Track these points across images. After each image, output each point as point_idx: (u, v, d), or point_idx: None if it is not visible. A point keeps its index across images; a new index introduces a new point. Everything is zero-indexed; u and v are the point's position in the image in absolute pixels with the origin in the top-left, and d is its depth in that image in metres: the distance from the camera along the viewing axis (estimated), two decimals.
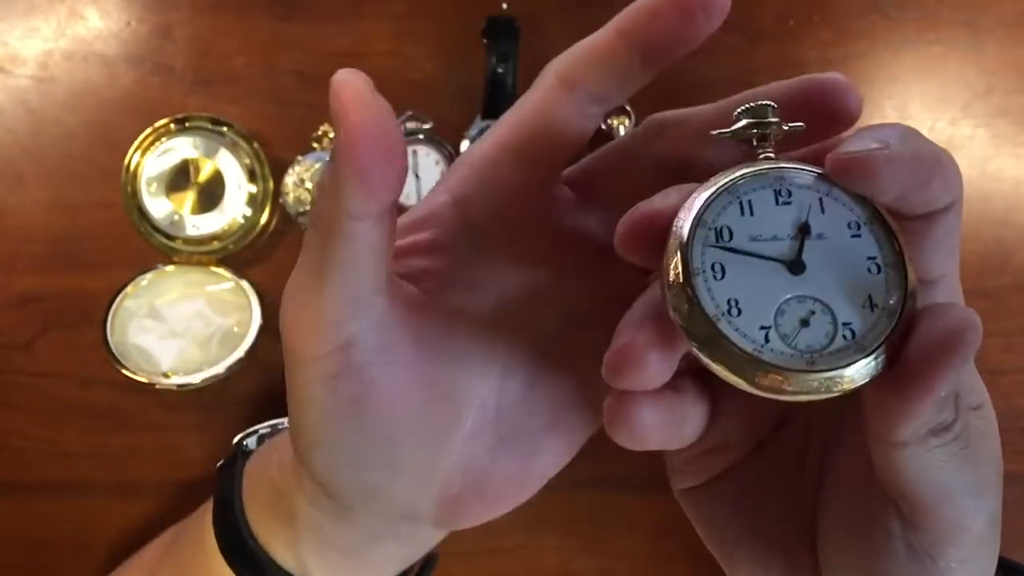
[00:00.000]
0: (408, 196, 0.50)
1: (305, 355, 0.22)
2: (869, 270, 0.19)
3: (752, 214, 0.20)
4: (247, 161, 0.51)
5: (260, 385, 0.51)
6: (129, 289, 0.50)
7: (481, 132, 0.50)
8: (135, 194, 0.50)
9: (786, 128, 0.21)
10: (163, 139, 0.50)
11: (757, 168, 0.20)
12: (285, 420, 0.37)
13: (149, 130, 0.50)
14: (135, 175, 0.50)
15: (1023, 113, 0.52)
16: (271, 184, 0.51)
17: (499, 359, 0.25)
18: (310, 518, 0.28)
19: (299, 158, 0.50)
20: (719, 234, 0.19)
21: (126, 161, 0.50)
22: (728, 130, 0.21)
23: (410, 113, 0.50)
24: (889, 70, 0.52)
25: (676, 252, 0.19)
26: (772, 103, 0.22)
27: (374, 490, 0.24)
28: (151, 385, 0.49)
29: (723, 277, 0.19)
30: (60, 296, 0.51)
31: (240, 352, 0.49)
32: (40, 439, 0.51)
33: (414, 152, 0.51)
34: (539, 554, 0.51)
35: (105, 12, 0.52)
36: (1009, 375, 0.51)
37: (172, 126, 0.51)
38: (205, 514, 0.33)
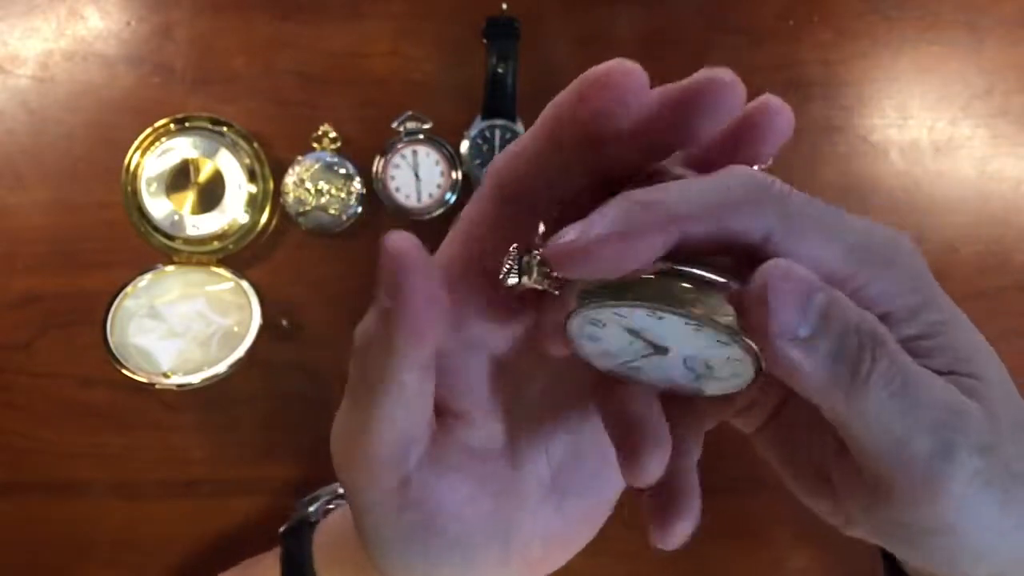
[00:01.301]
0: (409, 196, 0.50)
1: (363, 493, 0.23)
2: (719, 341, 0.20)
3: (600, 340, 0.21)
4: (247, 161, 0.51)
5: (260, 385, 0.51)
6: (129, 289, 0.50)
7: (481, 132, 0.50)
8: (135, 194, 0.50)
9: (544, 255, 0.20)
10: (163, 139, 0.50)
11: (577, 318, 0.21)
12: (335, 488, 0.39)
13: (149, 130, 0.50)
14: (135, 175, 0.50)
15: (1023, 113, 0.52)
16: (271, 184, 0.51)
17: (543, 435, 0.26)
18: None
19: (299, 158, 0.50)
20: (605, 357, 0.22)
21: (126, 161, 0.50)
22: (514, 286, 0.21)
23: (410, 113, 0.50)
24: (889, 70, 0.52)
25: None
26: (532, 251, 0.21)
27: None
28: (151, 385, 0.49)
29: (640, 372, 0.22)
30: (60, 296, 0.51)
31: (240, 352, 0.49)
32: (40, 439, 0.51)
33: (414, 152, 0.51)
34: None
35: (105, 12, 0.52)
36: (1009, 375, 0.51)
37: (172, 126, 0.51)
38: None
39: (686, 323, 0.20)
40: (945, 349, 0.20)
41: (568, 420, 0.26)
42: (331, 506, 0.42)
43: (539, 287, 0.21)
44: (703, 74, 0.20)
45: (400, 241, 0.19)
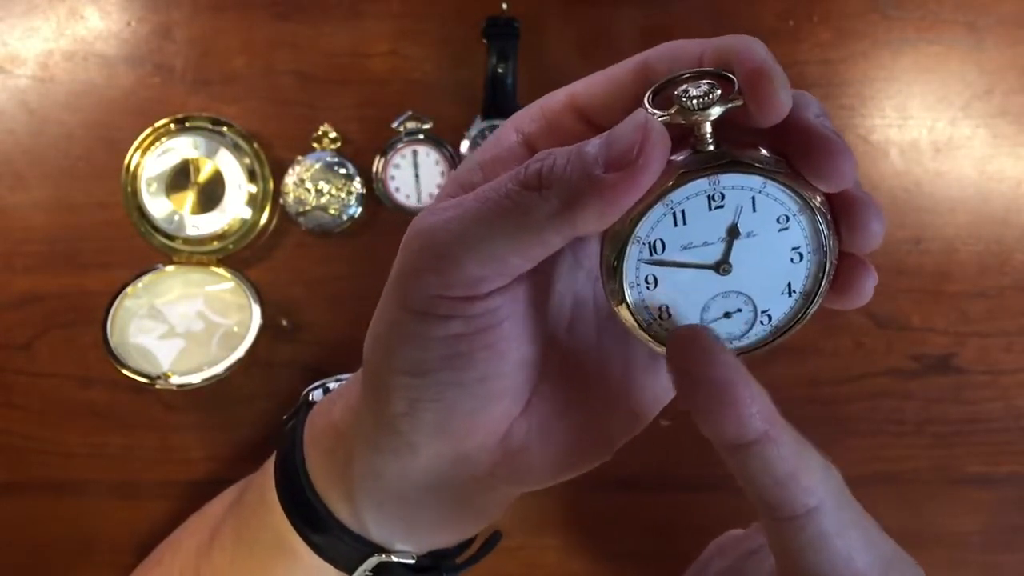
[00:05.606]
0: (409, 196, 0.50)
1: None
2: (792, 260, 0.21)
3: (685, 223, 0.20)
4: (247, 161, 0.51)
5: (260, 385, 0.51)
6: (129, 289, 0.50)
7: (481, 132, 0.50)
8: (135, 194, 0.50)
9: (727, 108, 0.20)
10: (163, 139, 0.50)
11: (693, 175, 0.20)
12: (348, 375, 0.37)
13: (149, 130, 0.50)
14: (135, 175, 0.50)
15: (1023, 113, 0.52)
16: (271, 184, 0.51)
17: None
18: (367, 461, 0.28)
19: (299, 158, 0.50)
20: (652, 248, 0.21)
21: (126, 161, 0.50)
22: (664, 114, 0.20)
23: (410, 113, 0.50)
24: (889, 70, 0.52)
25: (613, 267, 0.21)
26: (713, 82, 0.20)
27: (444, 424, 0.25)
28: (151, 385, 0.49)
29: (656, 287, 0.21)
30: (60, 296, 0.51)
31: (240, 352, 0.49)
32: (40, 439, 0.51)
33: (414, 152, 0.51)
34: (540, 554, 0.51)
35: (105, 12, 0.52)
36: (1009, 375, 0.51)
37: (172, 126, 0.51)
38: (269, 467, 0.33)
39: (803, 244, 0.20)
40: None
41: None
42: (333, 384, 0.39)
43: (693, 122, 0.20)
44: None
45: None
